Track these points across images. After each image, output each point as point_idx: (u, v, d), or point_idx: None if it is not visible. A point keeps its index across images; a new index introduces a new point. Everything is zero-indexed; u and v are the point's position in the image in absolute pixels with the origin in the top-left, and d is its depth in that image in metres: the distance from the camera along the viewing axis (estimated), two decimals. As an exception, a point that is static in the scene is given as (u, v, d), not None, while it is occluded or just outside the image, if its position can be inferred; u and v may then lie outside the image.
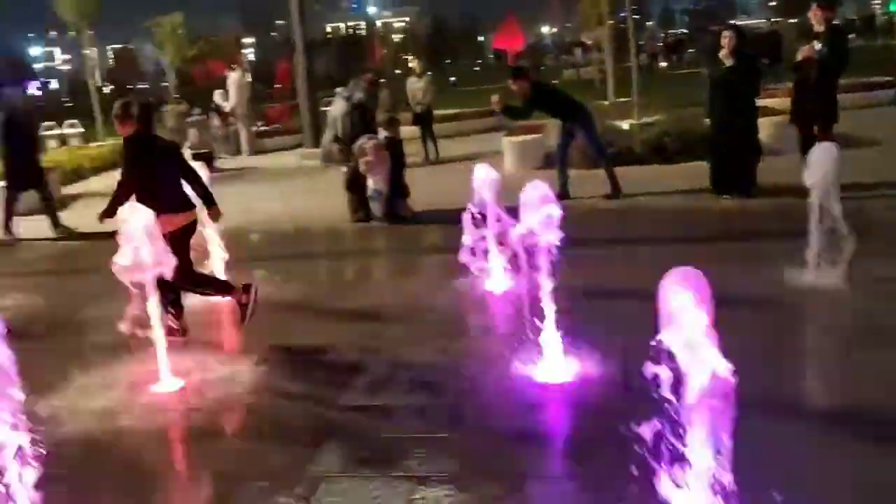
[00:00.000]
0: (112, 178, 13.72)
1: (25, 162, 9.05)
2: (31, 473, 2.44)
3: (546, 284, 3.73)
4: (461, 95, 26.45)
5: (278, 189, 11.36)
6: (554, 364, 3.75)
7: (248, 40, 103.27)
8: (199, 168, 5.52)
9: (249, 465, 3.20)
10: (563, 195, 7.56)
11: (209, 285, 5.12)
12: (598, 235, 6.49)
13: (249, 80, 17.47)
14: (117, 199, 4.71)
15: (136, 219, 4.10)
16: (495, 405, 3.60)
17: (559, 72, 39.80)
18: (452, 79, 45.87)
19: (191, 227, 4.95)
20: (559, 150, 8.55)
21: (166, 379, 4.09)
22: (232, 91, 16.38)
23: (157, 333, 4.12)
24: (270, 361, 4.38)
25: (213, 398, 3.95)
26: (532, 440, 3.23)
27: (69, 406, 3.96)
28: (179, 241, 4.64)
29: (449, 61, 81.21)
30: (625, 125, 10.97)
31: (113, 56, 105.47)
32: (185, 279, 4.69)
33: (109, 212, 4.63)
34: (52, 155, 14.91)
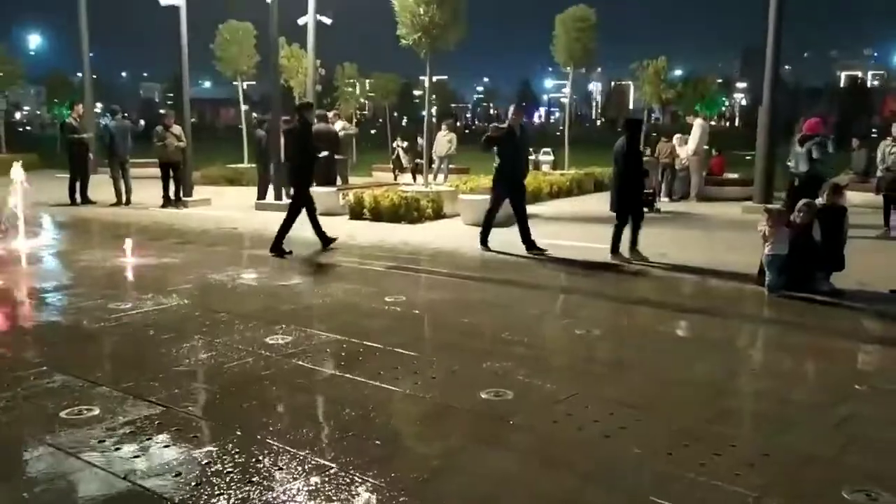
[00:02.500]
0: (561, 205, 15.03)
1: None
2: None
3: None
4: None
5: (705, 238, 11.17)
6: None
7: (741, 84, 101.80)
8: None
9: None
10: None
11: None
12: None
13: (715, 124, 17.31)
14: None
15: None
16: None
17: None
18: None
19: None
20: None
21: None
22: (694, 135, 16.48)
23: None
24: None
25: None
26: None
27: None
28: None
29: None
30: None
31: (607, 93, 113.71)
32: None
33: None
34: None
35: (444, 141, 19.36)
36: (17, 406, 4.45)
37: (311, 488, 3.40)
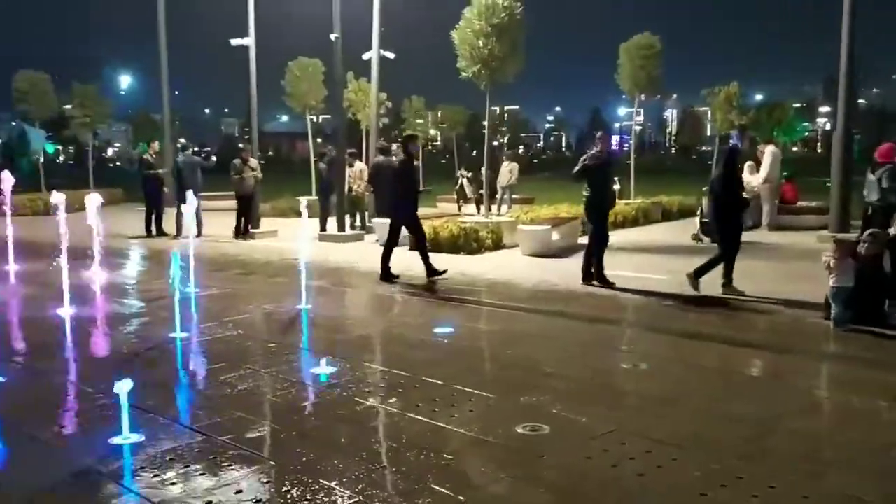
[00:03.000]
0: (626, 235, 14.79)
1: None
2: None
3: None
4: None
5: (773, 269, 10.76)
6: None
7: (824, 108, 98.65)
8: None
9: None
10: None
11: None
12: None
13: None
14: None
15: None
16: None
17: None
18: None
19: None
20: None
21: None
22: (766, 162, 16.01)
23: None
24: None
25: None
26: None
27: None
28: None
29: None
30: None
31: (678, 119, 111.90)
32: None
33: None
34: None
35: (506, 171, 19.40)
36: (69, 432, 4.65)
37: (333, 520, 3.42)
